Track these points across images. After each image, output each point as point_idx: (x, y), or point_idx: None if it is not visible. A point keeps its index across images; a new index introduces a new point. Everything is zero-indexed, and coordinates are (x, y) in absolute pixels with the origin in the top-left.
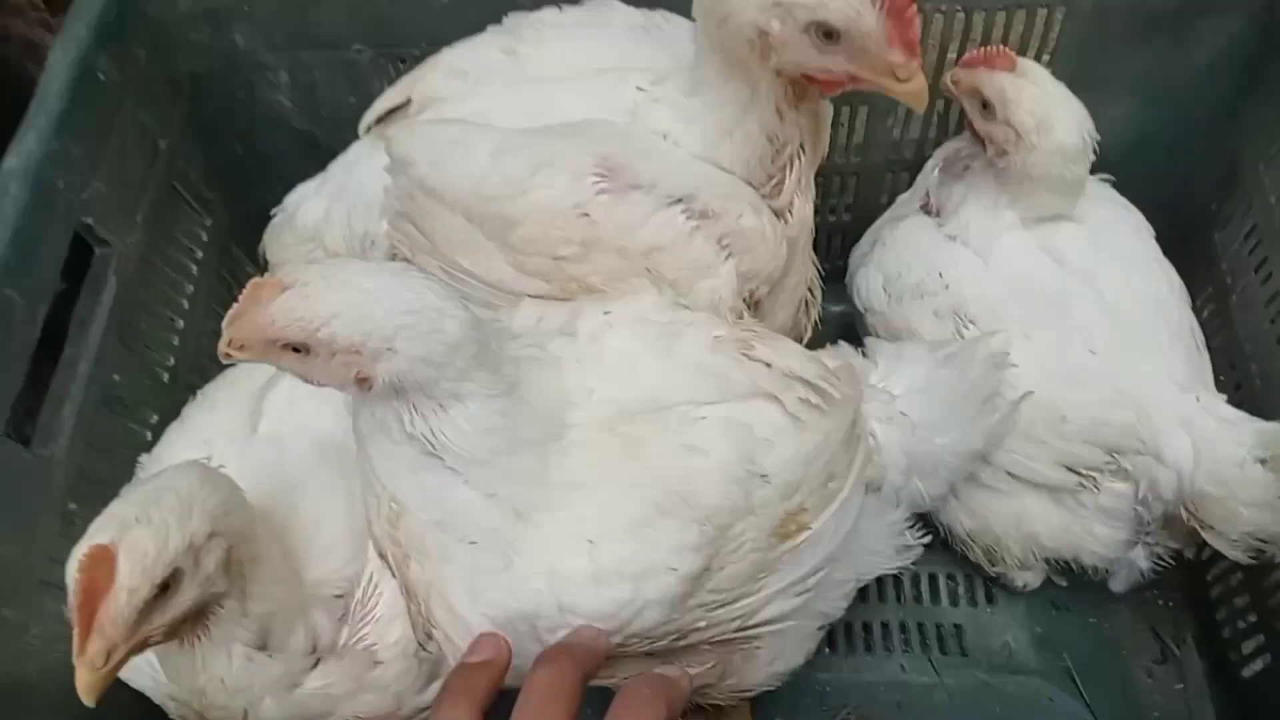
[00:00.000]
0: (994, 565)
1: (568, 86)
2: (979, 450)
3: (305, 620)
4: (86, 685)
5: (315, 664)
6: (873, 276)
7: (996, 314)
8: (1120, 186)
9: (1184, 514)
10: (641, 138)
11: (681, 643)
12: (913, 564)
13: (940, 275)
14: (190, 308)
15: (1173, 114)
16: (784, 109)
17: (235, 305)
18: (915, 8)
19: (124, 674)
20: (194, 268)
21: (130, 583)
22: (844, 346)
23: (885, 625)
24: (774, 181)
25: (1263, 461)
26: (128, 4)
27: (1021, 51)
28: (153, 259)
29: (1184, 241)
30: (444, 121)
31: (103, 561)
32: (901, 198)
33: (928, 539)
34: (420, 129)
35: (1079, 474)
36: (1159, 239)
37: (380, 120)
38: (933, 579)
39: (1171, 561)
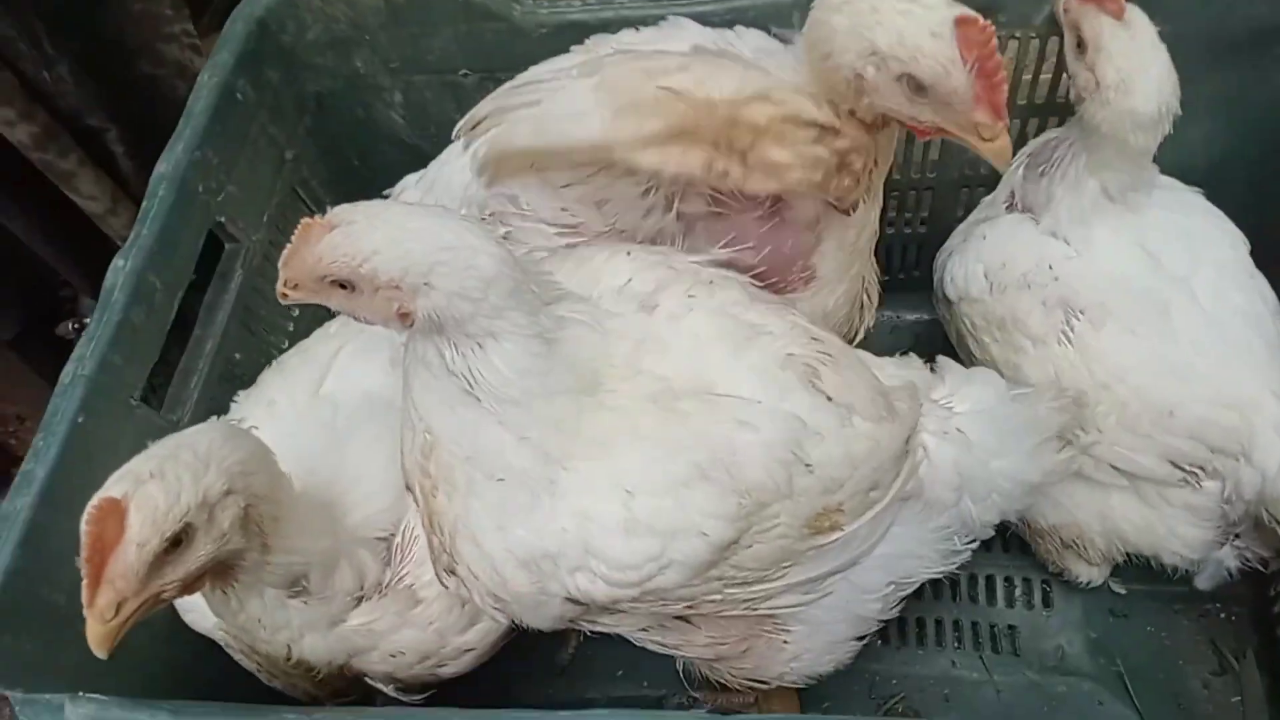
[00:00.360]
0: (1063, 561)
1: None
2: (1034, 484)
3: (351, 560)
4: (97, 637)
5: (358, 603)
6: (972, 266)
7: (1105, 306)
8: None
9: (1264, 515)
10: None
11: (691, 611)
12: (970, 565)
13: (1050, 268)
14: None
15: (1254, 135)
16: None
17: (289, 246)
18: (1004, 72)
19: (202, 628)
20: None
21: (140, 536)
22: (913, 358)
23: (939, 622)
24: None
25: None
26: (265, 34)
27: None
28: (275, 255)
29: (1266, 258)
30: None
31: (113, 514)
32: (986, 199)
33: (975, 544)
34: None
35: (1183, 469)
36: None
37: (472, 128)
38: (989, 580)
39: (1261, 566)
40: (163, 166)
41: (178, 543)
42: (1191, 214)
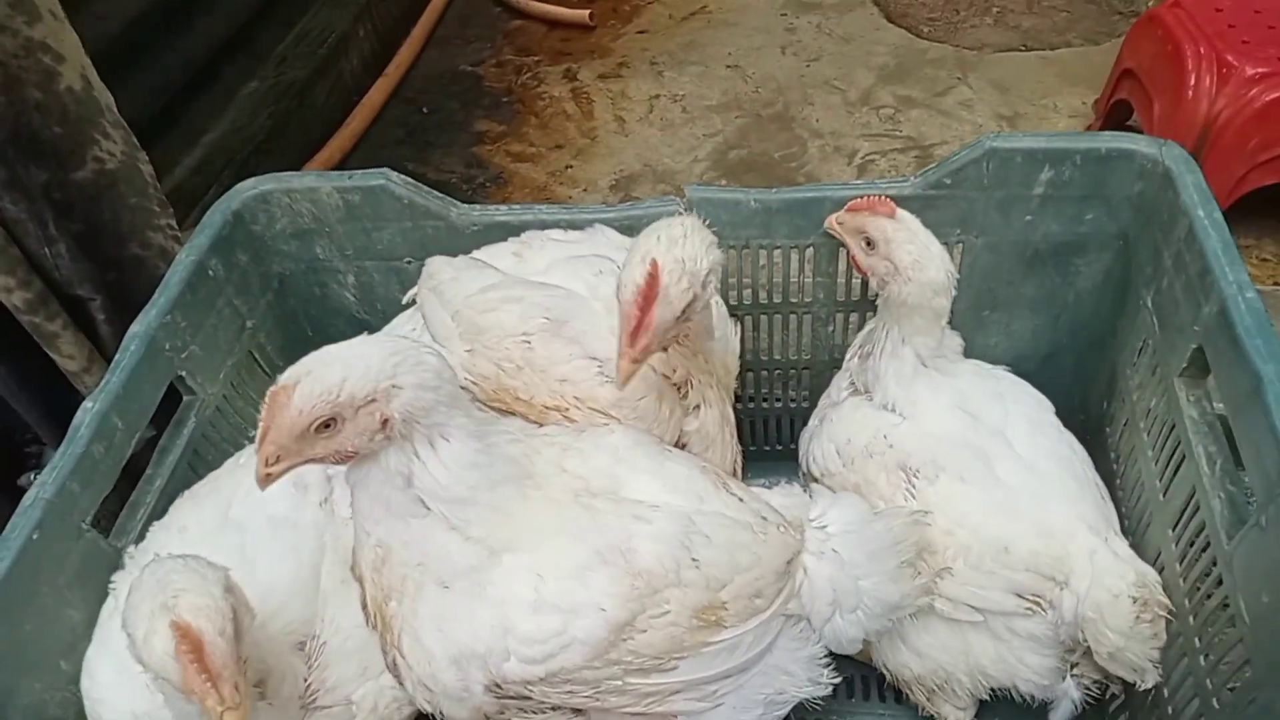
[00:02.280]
0: (933, 705)
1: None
2: (894, 604)
3: (291, 670)
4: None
5: (304, 714)
6: (825, 446)
7: (936, 462)
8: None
9: (1081, 636)
10: (585, 308)
11: (597, 703)
12: (848, 713)
13: (885, 438)
14: (249, 448)
15: (1070, 330)
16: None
17: (260, 425)
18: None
19: None
20: (259, 419)
21: (215, 628)
22: (795, 486)
23: None
24: (681, 391)
25: (1134, 599)
26: (239, 223)
27: None
28: (227, 408)
29: (1086, 436)
30: (469, 258)
31: (187, 632)
32: (834, 383)
33: (838, 679)
34: (452, 260)
35: (1026, 599)
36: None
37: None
38: None
39: (1099, 694)
40: (137, 326)
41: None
42: (1001, 380)
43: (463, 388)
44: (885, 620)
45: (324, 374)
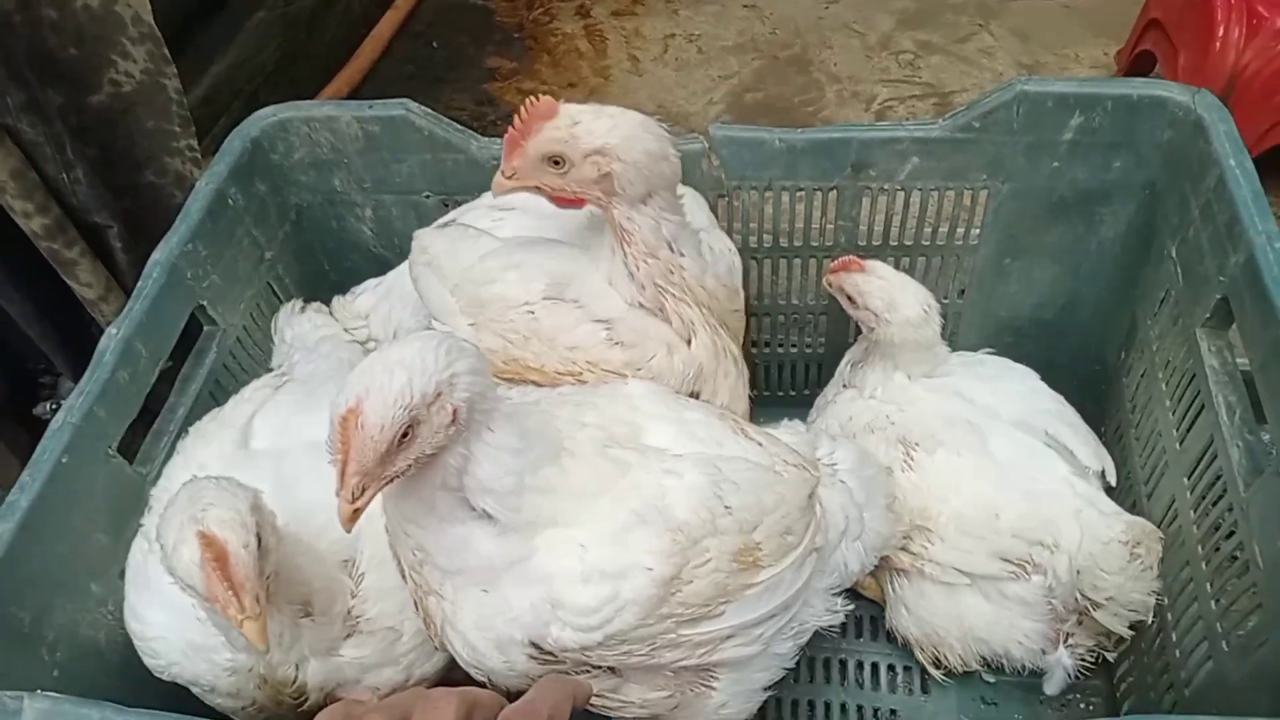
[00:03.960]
0: (938, 667)
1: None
2: (886, 537)
3: (341, 588)
4: (256, 633)
5: (349, 635)
6: (830, 422)
7: (935, 437)
8: (1052, 339)
9: (1079, 598)
10: (585, 269)
11: (652, 660)
12: (857, 651)
13: (887, 417)
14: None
15: (1091, 279)
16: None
17: (337, 459)
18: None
19: (186, 678)
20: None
21: (239, 540)
22: (798, 423)
23: (828, 705)
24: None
25: (1124, 543)
26: (258, 151)
27: (954, 224)
28: (247, 340)
29: (1101, 385)
30: (460, 226)
31: (212, 542)
32: (829, 386)
33: (851, 606)
34: (443, 230)
35: (1011, 563)
36: (1083, 385)
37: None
38: (874, 667)
39: (1093, 663)
40: (158, 254)
41: (259, 543)
42: (985, 364)
43: None
44: (875, 556)
45: (388, 383)
